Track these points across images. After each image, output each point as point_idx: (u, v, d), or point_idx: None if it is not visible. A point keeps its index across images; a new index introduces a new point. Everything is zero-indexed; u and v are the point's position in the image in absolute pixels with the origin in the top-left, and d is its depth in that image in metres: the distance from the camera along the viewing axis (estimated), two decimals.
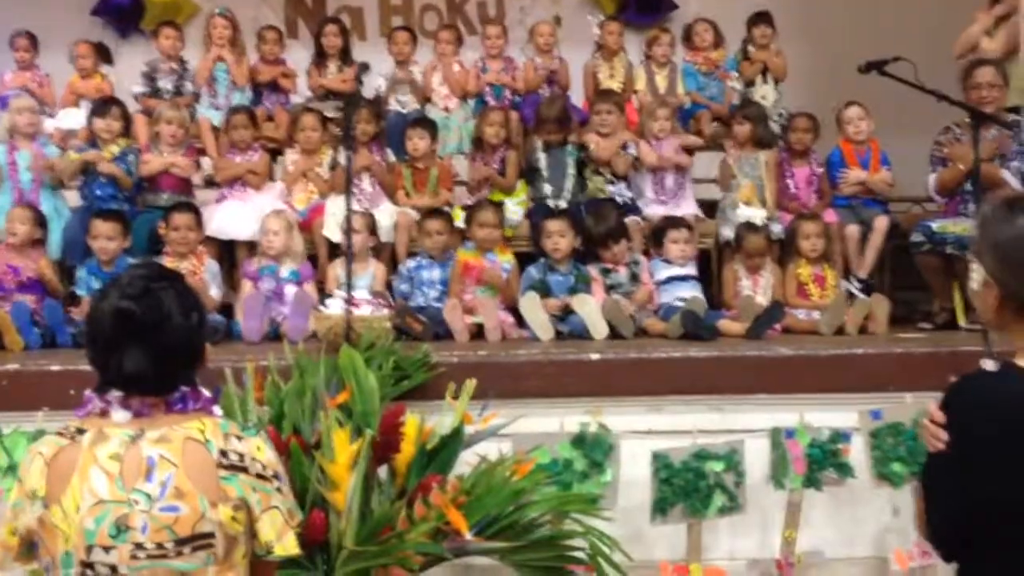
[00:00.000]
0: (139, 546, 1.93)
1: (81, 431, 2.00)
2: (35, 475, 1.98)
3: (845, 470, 4.07)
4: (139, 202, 6.01)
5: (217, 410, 2.12)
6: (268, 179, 6.28)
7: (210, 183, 6.43)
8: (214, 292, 5.45)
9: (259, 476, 2.01)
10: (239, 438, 2.02)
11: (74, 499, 1.93)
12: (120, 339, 1.98)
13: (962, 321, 5.36)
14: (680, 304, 5.20)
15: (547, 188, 6.07)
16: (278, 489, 2.04)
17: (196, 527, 1.94)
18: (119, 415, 2.00)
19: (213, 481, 1.96)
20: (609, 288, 5.44)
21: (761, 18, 7.02)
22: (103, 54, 7.16)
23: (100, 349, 2.01)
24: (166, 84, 6.80)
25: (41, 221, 5.50)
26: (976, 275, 1.96)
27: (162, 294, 2.02)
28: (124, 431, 1.98)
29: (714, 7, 7.43)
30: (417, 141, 6.14)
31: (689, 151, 6.44)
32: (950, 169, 5.51)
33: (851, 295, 5.60)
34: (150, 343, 1.98)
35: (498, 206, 5.78)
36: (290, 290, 5.43)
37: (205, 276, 5.44)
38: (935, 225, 5.43)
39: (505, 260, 5.56)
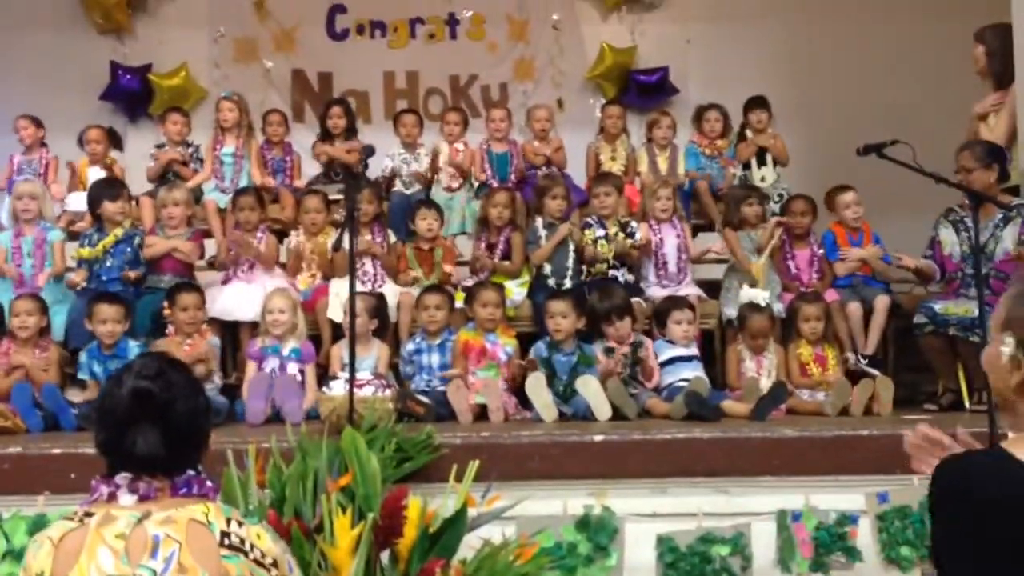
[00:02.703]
0: None
1: (89, 515, 2.06)
2: (42, 558, 2.03)
3: (853, 554, 4.02)
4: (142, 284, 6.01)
5: (218, 500, 2.17)
6: (276, 261, 6.29)
7: (212, 265, 6.45)
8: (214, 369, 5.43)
9: (256, 562, 2.06)
10: (240, 524, 2.09)
11: (81, 575, 1.98)
12: (135, 419, 2.08)
13: (967, 402, 5.33)
14: (683, 385, 5.19)
15: (547, 267, 6.10)
16: None
17: None
18: (126, 499, 2.06)
19: (215, 559, 2.02)
20: None
21: (757, 103, 7.11)
22: (114, 140, 7.24)
23: (112, 431, 2.10)
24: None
25: (44, 309, 5.48)
26: (1006, 349, 1.95)
27: (173, 376, 2.14)
28: (131, 513, 2.04)
29: (713, 92, 7.54)
30: (432, 221, 6.21)
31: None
32: None
33: (851, 372, 5.57)
34: (163, 423, 2.09)
35: (500, 287, 5.80)
36: (293, 368, 5.41)
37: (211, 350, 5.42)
38: (938, 307, 5.42)
39: (506, 343, 5.54)
